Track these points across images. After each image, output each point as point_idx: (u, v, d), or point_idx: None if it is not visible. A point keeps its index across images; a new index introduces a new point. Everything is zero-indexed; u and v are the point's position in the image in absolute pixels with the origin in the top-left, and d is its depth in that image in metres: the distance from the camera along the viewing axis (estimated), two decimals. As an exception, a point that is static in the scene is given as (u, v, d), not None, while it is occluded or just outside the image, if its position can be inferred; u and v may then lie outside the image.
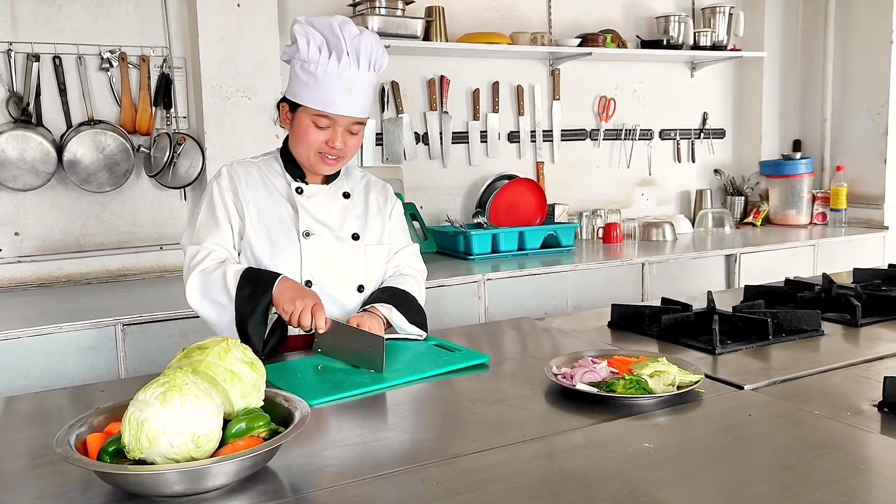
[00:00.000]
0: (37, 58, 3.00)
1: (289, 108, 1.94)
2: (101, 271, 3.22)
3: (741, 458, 1.24)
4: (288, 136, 2.01)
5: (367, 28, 3.31)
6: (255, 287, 1.81)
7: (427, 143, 3.86)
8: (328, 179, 2.04)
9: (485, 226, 3.67)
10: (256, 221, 1.95)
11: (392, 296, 1.98)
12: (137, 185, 3.26)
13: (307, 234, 1.95)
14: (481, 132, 3.98)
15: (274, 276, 1.84)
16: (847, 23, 4.48)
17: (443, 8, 3.67)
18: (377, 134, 3.72)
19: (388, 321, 1.92)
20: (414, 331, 1.96)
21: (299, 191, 1.99)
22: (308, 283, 1.94)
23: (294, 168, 2.00)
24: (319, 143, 1.90)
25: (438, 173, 3.90)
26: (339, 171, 2.05)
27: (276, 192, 1.99)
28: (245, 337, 1.81)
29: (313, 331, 1.79)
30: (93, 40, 3.12)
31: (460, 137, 3.94)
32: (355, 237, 2.01)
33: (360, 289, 2.01)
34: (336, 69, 1.83)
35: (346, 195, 2.05)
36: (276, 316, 1.84)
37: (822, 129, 4.62)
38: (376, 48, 1.89)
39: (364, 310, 1.95)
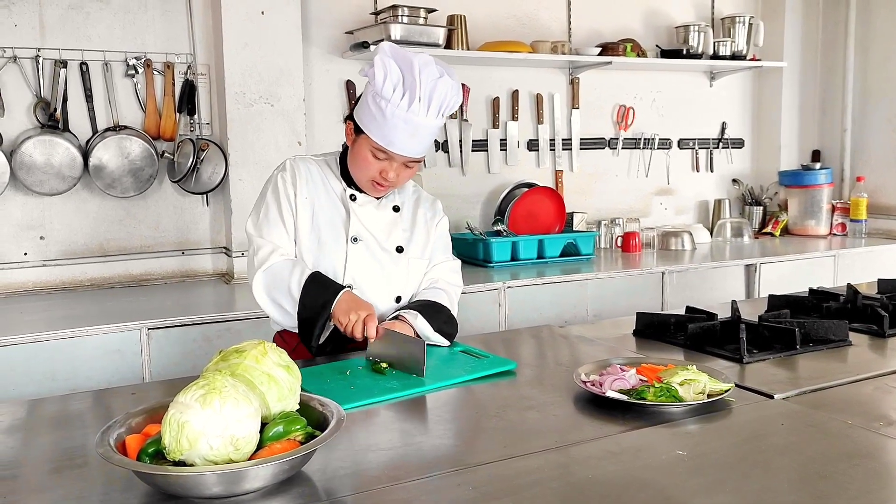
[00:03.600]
0: (64, 64, 3.04)
1: (354, 127, 1.96)
2: (124, 275, 3.25)
3: (776, 466, 1.23)
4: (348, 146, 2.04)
5: (390, 36, 3.34)
6: (317, 298, 1.86)
7: (447, 151, 3.87)
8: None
9: (504, 233, 3.67)
10: (309, 219, 2.00)
11: (421, 305, 2.01)
12: (161, 191, 3.29)
13: (355, 240, 1.99)
14: (501, 140, 3.99)
15: (337, 289, 1.88)
16: (867, 33, 4.47)
17: (464, 16, 3.68)
18: (397, 141, 3.73)
19: (414, 328, 1.94)
20: (438, 339, 1.97)
21: (353, 198, 2.03)
22: (349, 287, 1.97)
23: (350, 175, 2.04)
24: (374, 172, 1.94)
25: (458, 181, 3.91)
26: None
27: (333, 193, 2.04)
28: (304, 340, 1.89)
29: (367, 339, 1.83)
30: (119, 47, 3.16)
31: (480, 145, 3.95)
32: (399, 250, 2.05)
33: (398, 299, 2.06)
34: (405, 113, 1.84)
35: (396, 209, 2.09)
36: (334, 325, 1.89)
37: (842, 139, 4.60)
38: (451, 94, 1.88)
39: (394, 317, 1.97)
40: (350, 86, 3.61)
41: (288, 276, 1.90)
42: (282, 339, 2.06)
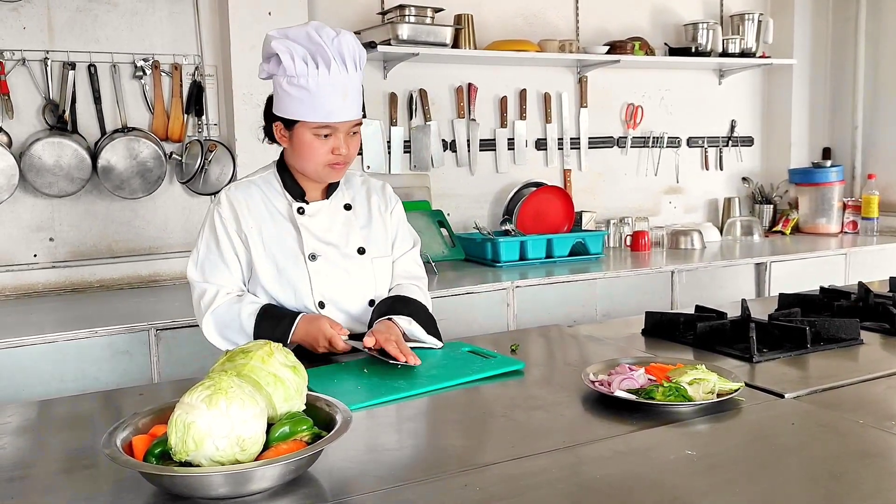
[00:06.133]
0: (72, 66, 3.05)
1: (283, 125, 1.90)
2: (132, 277, 3.25)
3: (787, 466, 1.22)
4: (283, 151, 1.99)
5: (397, 36, 3.34)
6: (272, 333, 1.82)
7: (455, 151, 3.87)
8: (328, 193, 2.01)
9: (512, 233, 3.66)
10: (261, 248, 1.92)
11: (405, 305, 1.96)
12: (169, 192, 3.29)
13: (313, 257, 1.93)
14: (509, 139, 3.99)
15: (291, 320, 1.84)
16: (878, 29, 4.44)
17: (471, 16, 3.68)
18: (405, 141, 3.74)
19: (406, 334, 1.91)
20: (432, 340, 1.94)
21: (300, 211, 1.96)
22: (321, 304, 1.93)
23: (293, 184, 1.97)
24: (324, 154, 1.87)
25: (466, 180, 3.90)
26: (339, 180, 2.02)
27: (278, 214, 1.96)
28: None
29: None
30: (127, 49, 3.16)
31: (488, 145, 3.94)
32: (361, 251, 1.99)
33: (372, 303, 2.00)
34: (328, 78, 1.79)
35: (348, 207, 2.02)
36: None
37: (853, 136, 4.57)
38: (357, 46, 1.85)
39: (380, 321, 1.91)
40: (357, 86, 3.61)
41: (237, 314, 1.86)
42: None
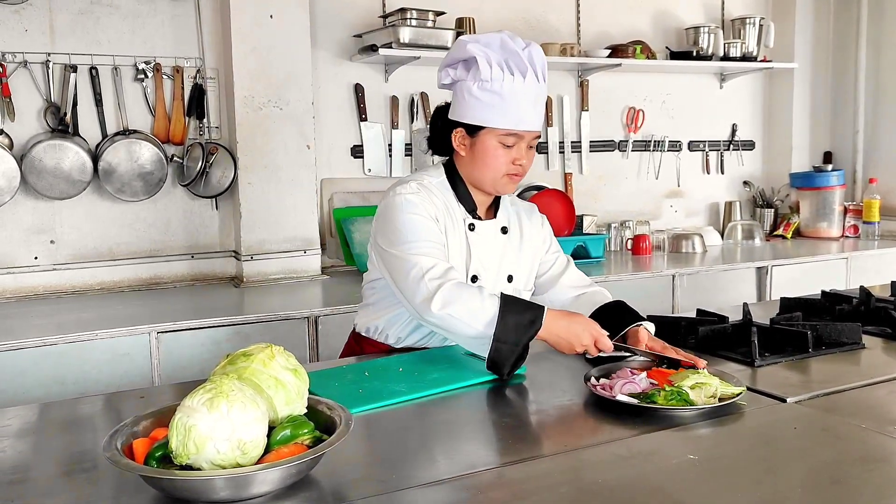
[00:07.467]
0: (74, 69, 3.05)
1: (466, 132, 1.86)
2: (133, 279, 3.25)
3: (789, 471, 1.22)
4: (453, 161, 1.93)
5: (398, 39, 3.34)
6: (519, 321, 1.68)
7: (456, 154, 3.86)
8: (493, 212, 1.98)
9: (513, 236, 3.66)
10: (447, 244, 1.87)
11: (632, 314, 1.90)
12: (170, 195, 3.29)
13: (475, 279, 1.89)
14: (510, 143, 3.98)
15: (539, 310, 1.71)
16: (879, 33, 4.44)
17: (473, 19, 3.68)
18: (406, 144, 3.74)
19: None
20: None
21: (472, 227, 1.91)
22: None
23: (467, 197, 1.92)
24: (507, 164, 1.84)
25: (467, 184, 3.89)
26: (500, 200, 1.99)
27: (455, 222, 1.90)
28: (494, 364, 1.69)
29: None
30: (128, 51, 3.17)
31: (489, 148, 3.94)
32: (510, 279, 1.96)
33: None
34: (522, 85, 1.79)
35: (504, 230, 1.98)
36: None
37: (855, 140, 4.57)
38: (545, 58, 1.85)
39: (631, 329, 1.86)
40: (359, 89, 3.61)
41: (476, 292, 1.70)
42: (356, 341, 2.03)
